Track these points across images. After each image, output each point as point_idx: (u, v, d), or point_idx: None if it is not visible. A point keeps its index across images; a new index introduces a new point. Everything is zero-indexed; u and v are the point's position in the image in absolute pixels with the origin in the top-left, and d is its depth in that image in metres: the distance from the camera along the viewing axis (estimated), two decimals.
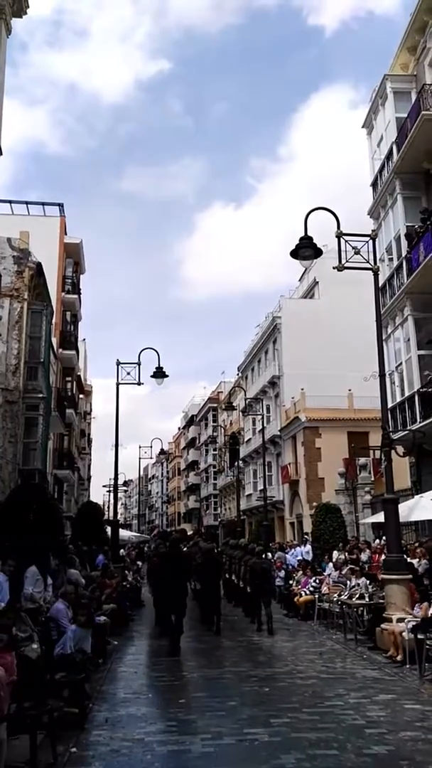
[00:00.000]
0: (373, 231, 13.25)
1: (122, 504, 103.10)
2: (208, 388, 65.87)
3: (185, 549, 25.92)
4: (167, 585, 12.40)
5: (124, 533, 32.56)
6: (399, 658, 10.04)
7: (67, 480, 34.41)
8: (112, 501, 31.00)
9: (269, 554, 21.72)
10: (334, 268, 11.94)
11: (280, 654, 11.55)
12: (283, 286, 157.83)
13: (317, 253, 11.44)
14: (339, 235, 11.72)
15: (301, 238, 11.30)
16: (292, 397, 33.15)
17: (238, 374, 49.17)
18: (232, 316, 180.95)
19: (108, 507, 45.97)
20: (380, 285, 14.48)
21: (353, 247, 11.84)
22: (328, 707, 7.66)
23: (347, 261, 11.78)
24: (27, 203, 33.04)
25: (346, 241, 11.82)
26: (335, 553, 17.69)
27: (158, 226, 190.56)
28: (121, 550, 23.92)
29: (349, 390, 30.25)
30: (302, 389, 31.39)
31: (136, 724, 7.14)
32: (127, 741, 6.54)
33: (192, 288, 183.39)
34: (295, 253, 11.42)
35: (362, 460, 25.53)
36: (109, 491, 50.71)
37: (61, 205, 34.34)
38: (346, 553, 17.08)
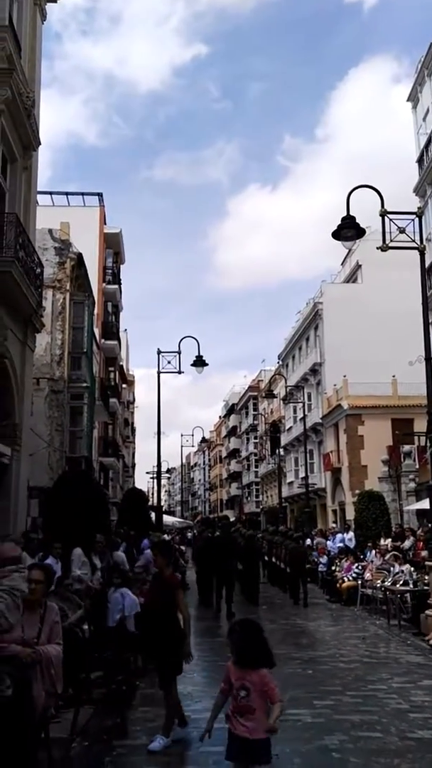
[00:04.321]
0: (419, 209, 12.85)
1: (166, 491, 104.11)
2: (249, 377, 65.85)
3: None
4: (218, 564, 14.65)
5: (167, 519, 32.86)
6: None
7: (113, 467, 34.95)
8: (155, 488, 31.24)
9: (309, 540, 21.76)
10: (378, 248, 11.56)
11: (323, 638, 11.53)
12: (322, 271, 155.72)
13: (360, 233, 11.14)
14: (383, 214, 11.29)
15: (344, 218, 10.93)
16: (334, 385, 32.81)
17: (278, 362, 48.93)
18: (270, 304, 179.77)
19: (152, 493, 46.52)
20: (427, 265, 14.10)
21: (398, 227, 11.44)
22: (371, 691, 7.62)
23: (392, 241, 11.44)
24: (66, 194, 33.14)
25: (390, 219, 11.34)
26: (381, 540, 17.55)
27: (193, 211, 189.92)
28: (165, 535, 24.14)
29: (393, 376, 29.77)
30: (344, 376, 31.03)
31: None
32: None
33: (228, 275, 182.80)
34: (337, 234, 11.09)
35: (407, 447, 25.12)
36: (152, 478, 51.24)
37: (100, 195, 34.15)
38: (390, 540, 16.92)
